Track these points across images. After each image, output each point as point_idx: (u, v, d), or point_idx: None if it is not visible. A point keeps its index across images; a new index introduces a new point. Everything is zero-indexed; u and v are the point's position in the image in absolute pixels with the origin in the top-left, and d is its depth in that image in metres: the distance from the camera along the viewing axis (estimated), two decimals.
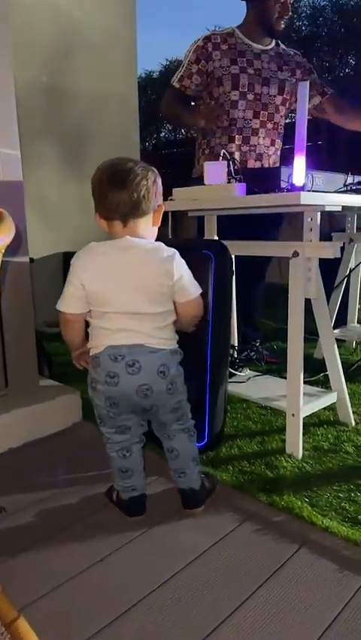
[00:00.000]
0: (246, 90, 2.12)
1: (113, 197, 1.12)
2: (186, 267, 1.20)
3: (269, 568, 1.10)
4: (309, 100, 2.20)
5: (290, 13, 2.14)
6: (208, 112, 2.15)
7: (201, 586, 1.06)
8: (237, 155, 2.16)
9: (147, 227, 1.19)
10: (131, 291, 1.14)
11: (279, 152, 2.33)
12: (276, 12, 2.09)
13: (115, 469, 1.28)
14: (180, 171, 2.66)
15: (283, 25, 2.16)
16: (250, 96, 2.13)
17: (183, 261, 1.19)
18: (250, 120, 2.17)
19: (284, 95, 2.20)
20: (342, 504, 1.34)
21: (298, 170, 1.47)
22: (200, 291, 1.23)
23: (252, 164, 2.20)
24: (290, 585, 1.06)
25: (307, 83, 1.53)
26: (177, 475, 1.31)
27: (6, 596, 0.81)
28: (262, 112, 2.17)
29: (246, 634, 0.94)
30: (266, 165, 2.24)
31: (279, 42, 2.28)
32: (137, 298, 1.14)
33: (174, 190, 1.83)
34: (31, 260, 1.90)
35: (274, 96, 2.18)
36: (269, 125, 2.21)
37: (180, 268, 1.17)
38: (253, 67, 2.13)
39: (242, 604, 1.01)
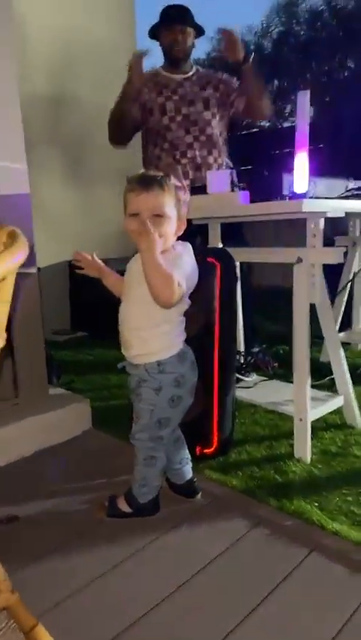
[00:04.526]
0: (174, 114, 2.36)
1: None
2: None
3: (281, 572, 1.12)
4: (233, 105, 2.41)
5: (179, 40, 2.35)
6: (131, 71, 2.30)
7: (215, 590, 1.08)
8: (179, 169, 2.34)
9: None
10: None
11: (223, 159, 2.46)
12: (168, 43, 2.36)
13: (156, 473, 1.31)
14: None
15: (181, 53, 2.38)
16: (179, 118, 2.36)
17: None
18: (183, 137, 2.36)
19: (211, 110, 2.39)
20: (351, 507, 1.35)
21: (300, 178, 1.49)
22: None
23: (192, 174, 2.36)
24: (302, 589, 1.07)
25: (307, 92, 1.56)
26: (183, 464, 1.40)
27: (24, 604, 0.83)
28: (192, 128, 2.37)
29: (260, 637, 0.95)
30: (205, 173, 2.35)
31: (199, 68, 2.50)
32: None
33: None
34: (38, 269, 1.93)
35: (202, 112, 2.37)
36: (202, 138, 2.38)
37: None
38: (178, 94, 2.37)
39: (255, 608, 1.02)
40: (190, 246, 1.25)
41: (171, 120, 2.35)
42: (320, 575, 1.11)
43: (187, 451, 1.43)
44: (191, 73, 2.44)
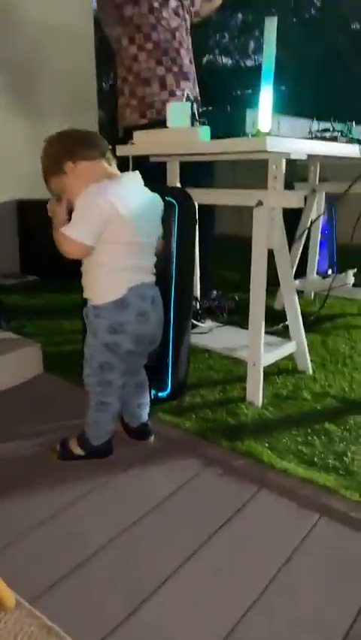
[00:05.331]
0: (161, 15, 2.20)
1: (96, 137, 1.25)
2: None
3: (231, 508, 1.15)
4: (194, 3, 2.33)
5: None
6: None
7: (166, 528, 1.10)
8: (170, 78, 2.20)
9: None
10: (149, 220, 1.24)
11: (181, 69, 2.33)
12: None
13: (108, 418, 1.29)
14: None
15: None
16: (164, 22, 2.20)
17: None
18: (171, 41, 2.20)
19: (157, 14, 2.23)
20: (299, 447, 1.40)
21: (265, 114, 1.42)
22: None
23: (183, 84, 2.23)
24: (251, 523, 1.11)
25: (275, 18, 1.46)
26: (141, 408, 1.40)
27: None
28: (177, 33, 2.22)
29: (210, 570, 0.99)
30: (191, 84, 2.26)
31: None
32: (150, 228, 1.25)
33: (135, 133, 1.74)
34: None
35: (181, 19, 2.24)
36: (185, 45, 2.25)
37: None
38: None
39: (206, 542, 1.05)
40: (118, 180, 1.20)
41: (157, 21, 2.17)
42: (269, 510, 1.15)
43: (148, 397, 1.42)
44: None
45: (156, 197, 1.30)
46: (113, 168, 1.24)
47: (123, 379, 1.29)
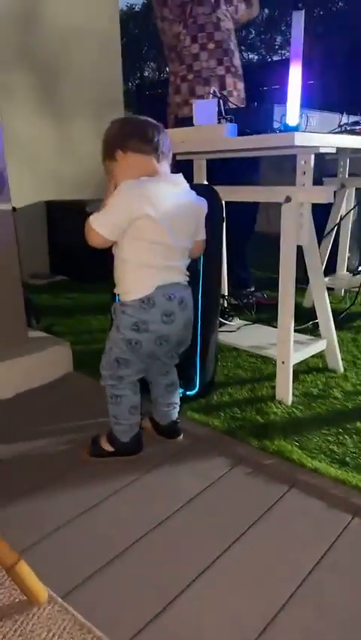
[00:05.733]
0: (218, 16, 2.20)
1: (154, 132, 1.21)
2: None
3: (260, 507, 1.14)
4: (236, 9, 2.29)
5: None
6: None
7: (195, 526, 1.10)
8: (229, 79, 2.20)
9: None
10: (183, 223, 1.23)
11: (236, 70, 2.31)
12: None
13: (124, 410, 1.30)
14: (165, 113, 2.55)
15: None
16: (222, 23, 2.19)
17: None
18: (228, 41, 2.20)
19: (217, 14, 2.22)
20: (330, 446, 1.37)
21: (292, 108, 1.40)
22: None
23: (201, 90, 2.21)
24: (281, 523, 1.10)
25: (302, 12, 1.43)
26: (171, 408, 1.41)
27: (4, 541, 0.83)
28: (231, 34, 2.21)
29: (240, 569, 0.98)
30: (215, 87, 2.21)
31: None
32: (184, 231, 1.24)
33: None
34: (13, 209, 1.82)
35: (210, 13, 2.20)
36: (211, 46, 2.20)
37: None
38: None
39: (234, 542, 1.05)
40: (144, 182, 1.18)
41: (218, 20, 2.18)
42: (298, 509, 1.14)
43: (178, 398, 1.43)
44: None
45: (200, 200, 1.29)
46: (162, 166, 1.22)
47: (137, 377, 1.30)
